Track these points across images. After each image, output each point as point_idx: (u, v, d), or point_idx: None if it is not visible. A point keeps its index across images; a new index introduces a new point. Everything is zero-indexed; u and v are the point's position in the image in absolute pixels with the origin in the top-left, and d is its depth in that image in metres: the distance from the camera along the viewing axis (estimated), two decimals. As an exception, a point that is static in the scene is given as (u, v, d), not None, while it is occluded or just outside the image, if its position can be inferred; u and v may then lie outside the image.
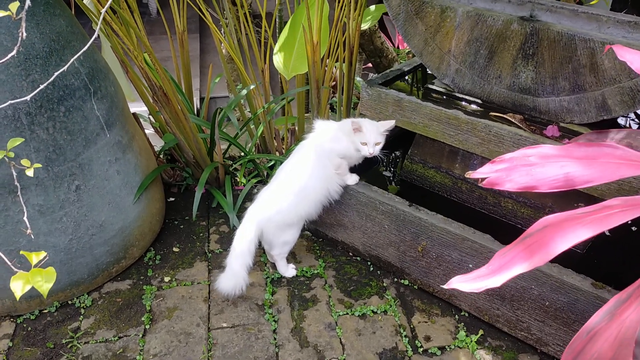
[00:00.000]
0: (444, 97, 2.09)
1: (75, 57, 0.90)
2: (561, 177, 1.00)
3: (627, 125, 2.19)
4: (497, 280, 0.92)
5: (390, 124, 1.89)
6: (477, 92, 1.96)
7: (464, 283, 0.96)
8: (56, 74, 0.85)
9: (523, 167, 1.04)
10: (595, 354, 0.88)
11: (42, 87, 0.86)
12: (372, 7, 2.74)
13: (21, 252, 0.95)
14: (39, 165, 1.03)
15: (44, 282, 0.93)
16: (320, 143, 1.94)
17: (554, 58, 1.73)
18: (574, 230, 0.90)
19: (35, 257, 0.91)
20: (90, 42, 0.95)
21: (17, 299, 0.93)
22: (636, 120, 2.23)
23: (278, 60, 2.48)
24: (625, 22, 1.74)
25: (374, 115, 2.11)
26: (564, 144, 1.11)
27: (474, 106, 2.00)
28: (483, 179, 1.08)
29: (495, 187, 1.05)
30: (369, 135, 1.87)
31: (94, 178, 1.86)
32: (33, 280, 0.92)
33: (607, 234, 2.01)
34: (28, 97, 0.85)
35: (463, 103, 2.03)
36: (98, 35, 2.12)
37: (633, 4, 4.04)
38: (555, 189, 1.00)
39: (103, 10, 0.90)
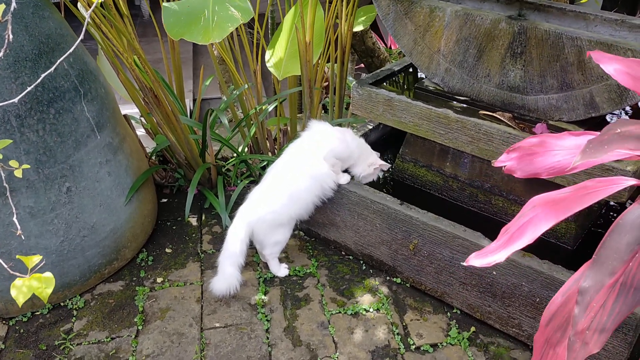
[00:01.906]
0: (435, 96, 2.10)
1: (62, 58, 0.90)
2: (555, 164, 1.14)
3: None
4: (502, 255, 1.03)
5: (387, 166, 2.10)
6: (467, 90, 1.97)
7: (479, 259, 1.07)
8: (42, 75, 0.85)
9: (528, 156, 1.19)
10: (567, 314, 1.00)
11: (29, 89, 0.87)
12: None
13: (17, 257, 0.95)
14: (28, 166, 1.03)
15: (44, 287, 0.93)
16: (317, 142, 1.96)
17: (542, 56, 1.74)
18: (557, 209, 1.01)
19: (31, 261, 0.91)
20: (76, 44, 0.95)
21: (20, 306, 0.94)
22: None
23: (270, 61, 2.49)
24: (612, 20, 1.76)
25: (365, 115, 2.12)
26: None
27: (463, 105, 2.01)
28: (503, 167, 1.23)
29: (512, 174, 1.18)
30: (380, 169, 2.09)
31: (85, 180, 1.87)
32: (33, 286, 0.92)
33: (599, 230, 2.03)
34: (16, 100, 0.85)
35: (454, 102, 2.04)
36: (94, 38, 2.13)
37: (623, 2, 4.07)
38: (553, 174, 1.14)
39: (87, 14, 0.91)
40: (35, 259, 0.87)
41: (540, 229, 1.00)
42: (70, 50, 0.90)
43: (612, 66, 1.13)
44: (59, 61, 0.88)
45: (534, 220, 1.02)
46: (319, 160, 1.94)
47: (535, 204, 1.05)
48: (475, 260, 1.06)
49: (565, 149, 1.13)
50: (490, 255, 1.04)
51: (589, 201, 0.99)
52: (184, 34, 1.69)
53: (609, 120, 2.13)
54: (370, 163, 2.03)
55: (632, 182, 1.04)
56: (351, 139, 2.01)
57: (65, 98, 1.78)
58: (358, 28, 2.65)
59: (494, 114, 1.90)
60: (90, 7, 1.95)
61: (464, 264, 1.09)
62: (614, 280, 0.90)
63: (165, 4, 1.76)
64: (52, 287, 0.90)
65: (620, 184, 1.03)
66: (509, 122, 1.86)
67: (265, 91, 4.31)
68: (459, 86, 1.98)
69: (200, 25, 1.68)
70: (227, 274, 1.88)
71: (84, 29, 0.98)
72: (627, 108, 2.26)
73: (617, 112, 2.20)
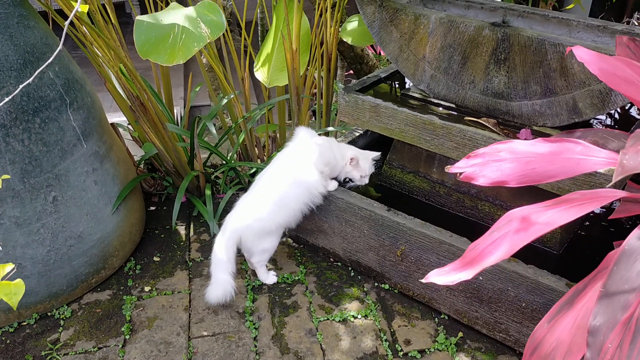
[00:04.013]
0: (421, 102, 2.11)
1: (41, 69, 0.91)
2: (528, 172, 1.04)
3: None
4: (469, 273, 0.95)
5: (377, 154, 2.08)
6: (452, 97, 1.99)
7: (440, 277, 1.00)
8: (20, 87, 0.85)
9: (494, 162, 1.09)
10: (554, 342, 0.92)
11: (6, 100, 0.87)
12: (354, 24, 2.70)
13: (-12, 266, 0.95)
14: (8, 176, 1.03)
15: (13, 294, 0.93)
16: (304, 149, 1.96)
17: (525, 63, 1.76)
18: (536, 224, 0.94)
19: (1, 270, 0.91)
20: (55, 54, 0.96)
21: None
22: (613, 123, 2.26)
23: (258, 69, 2.50)
24: (594, 26, 1.78)
25: (352, 122, 2.13)
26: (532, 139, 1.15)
27: (449, 111, 2.03)
28: (461, 173, 1.13)
29: (471, 181, 1.09)
30: (366, 168, 2.06)
31: (71, 189, 1.86)
32: (2, 293, 0.92)
33: (582, 233, 2.04)
34: (-8, 110, 0.85)
35: (440, 109, 2.05)
36: (80, 48, 2.12)
37: (611, 7, 4.11)
38: (524, 183, 1.05)
39: (68, 21, 0.91)
40: (7, 267, 0.87)
41: (517, 244, 0.93)
42: (49, 60, 0.91)
43: (586, 55, 1.09)
44: (37, 72, 0.88)
45: (510, 234, 0.95)
46: (307, 167, 1.94)
47: (511, 218, 0.99)
48: (437, 277, 0.99)
49: (538, 155, 1.06)
50: (453, 273, 0.97)
51: (571, 216, 0.93)
52: (150, 54, 1.63)
53: (593, 125, 2.15)
54: (347, 159, 2.04)
55: (621, 194, 0.99)
56: (337, 147, 2.02)
57: (51, 107, 1.78)
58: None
59: (479, 120, 1.91)
60: (75, 17, 1.95)
61: (423, 281, 1.03)
62: (629, 316, 0.79)
63: (138, 17, 1.67)
64: (22, 293, 0.90)
65: (608, 197, 0.96)
66: (493, 128, 1.87)
67: (257, 98, 4.32)
68: (445, 93, 2.00)
69: (168, 43, 1.62)
70: (221, 280, 1.87)
71: (63, 35, 0.98)
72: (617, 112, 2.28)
73: (601, 116, 2.22)
